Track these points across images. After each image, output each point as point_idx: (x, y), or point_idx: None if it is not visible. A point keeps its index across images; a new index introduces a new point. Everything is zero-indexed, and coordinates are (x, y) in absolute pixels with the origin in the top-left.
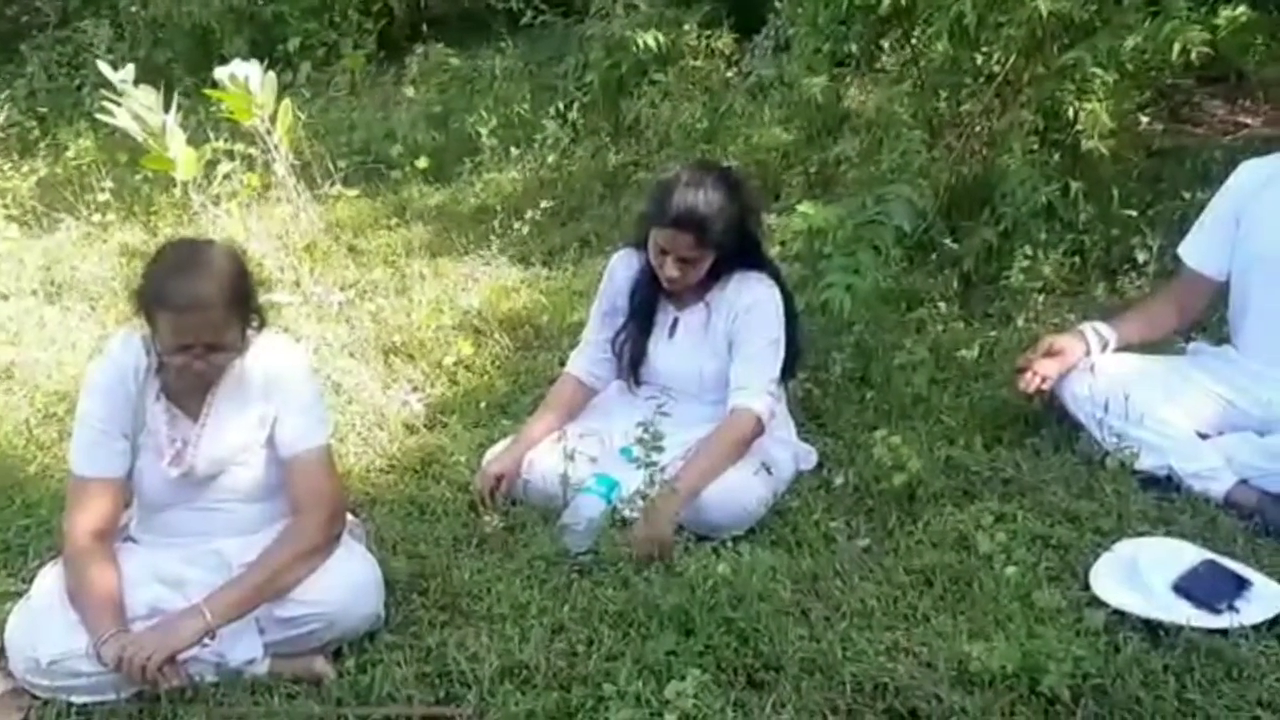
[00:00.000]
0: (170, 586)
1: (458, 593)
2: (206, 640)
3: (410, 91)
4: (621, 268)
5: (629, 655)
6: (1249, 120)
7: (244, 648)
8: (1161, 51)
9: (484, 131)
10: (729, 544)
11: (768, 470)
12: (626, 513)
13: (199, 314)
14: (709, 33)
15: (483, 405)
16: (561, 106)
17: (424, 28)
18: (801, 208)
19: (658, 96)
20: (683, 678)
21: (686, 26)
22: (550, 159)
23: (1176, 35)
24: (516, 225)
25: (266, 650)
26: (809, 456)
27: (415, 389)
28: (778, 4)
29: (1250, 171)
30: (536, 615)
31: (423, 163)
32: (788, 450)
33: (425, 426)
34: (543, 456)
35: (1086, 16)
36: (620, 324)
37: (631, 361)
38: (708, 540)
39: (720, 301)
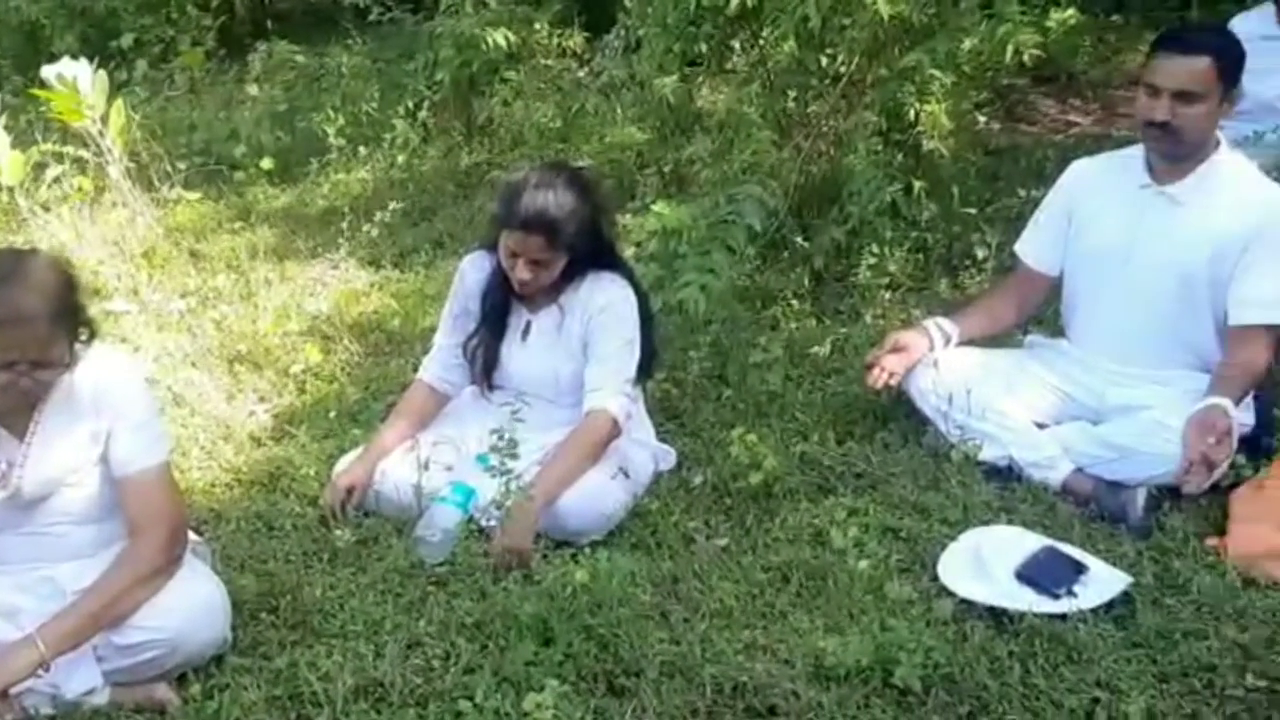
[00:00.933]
0: (1, 616)
1: (309, 610)
2: (41, 672)
3: (253, 90)
4: (472, 270)
5: (487, 668)
6: (1079, 119)
7: (81, 678)
8: (996, 53)
9: (331, 131)
10: (588, 549)
11: (625, 473)
12: (483, 521)
13: (21, 329)
14: (560, 31)
15: (332, 414)
16: (411, 105)
17: (267, 24)
18: (656, 207)
19: (510, 95)
20: (541, 688)
21: (537, 25)
22: (400, 159)
23: (1010, 37)
24: (366, 227)
25: (106, 679)
26: (668, 457)
27: (261, 399)
28: (627, 4)
29: (1080, 170)
30: (391, 630)
31: (267, 163)
32: (646, 451)
33: (272, 438)
34: (395, 466)
35: (925, 19)
36: (472, 328)
37: (485, 366)
38: (566, 546)
39: (574, 303)
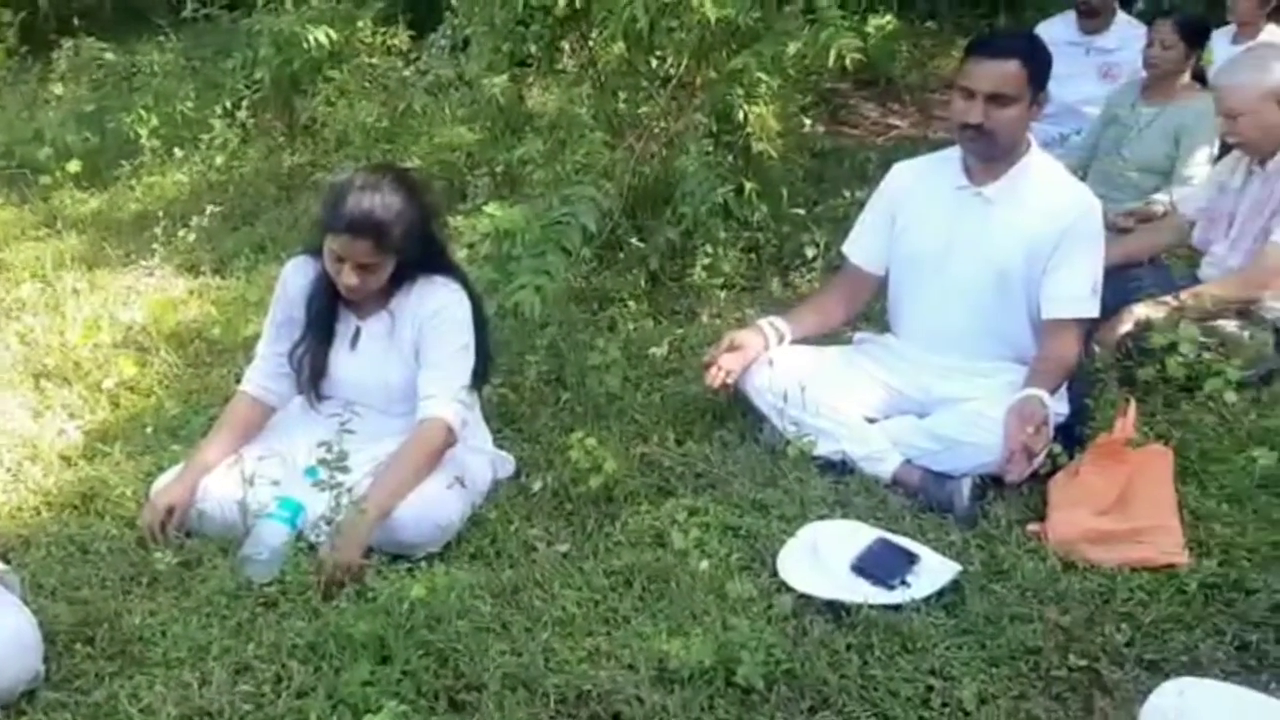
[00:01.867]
0: None
1: (128, 639)
2: None
3: (59, 89)
4: (296, 276)
5: (321, 690)
6: (898, 122)
7: None
8: (819, 58)
9: (144, 132)
10: (424, 562)
11: (462, 482)
12: (313, 538)
13: None
14: (385, 30)
15: (149, 430)
16: (230, 105)
17: (74, 20)
18: (488, 209)
19: (334, 95)
20: (379, 709)
21: (361, 23)
22: (219, 160)
23: (832, 42)
24: (182, 232)
25: None
26: (506, 464)
27: (71, 416)
28: (454, 2)
29: (901, 172)
30: (218, 656)
31: (75, 166)
32: (483, 459)
33: (84, 457)
34: (218, 482)
35: (751, 23)
36: (298, 336)
37: (312, 375)
38: (402, 560)
39: (404, 308)
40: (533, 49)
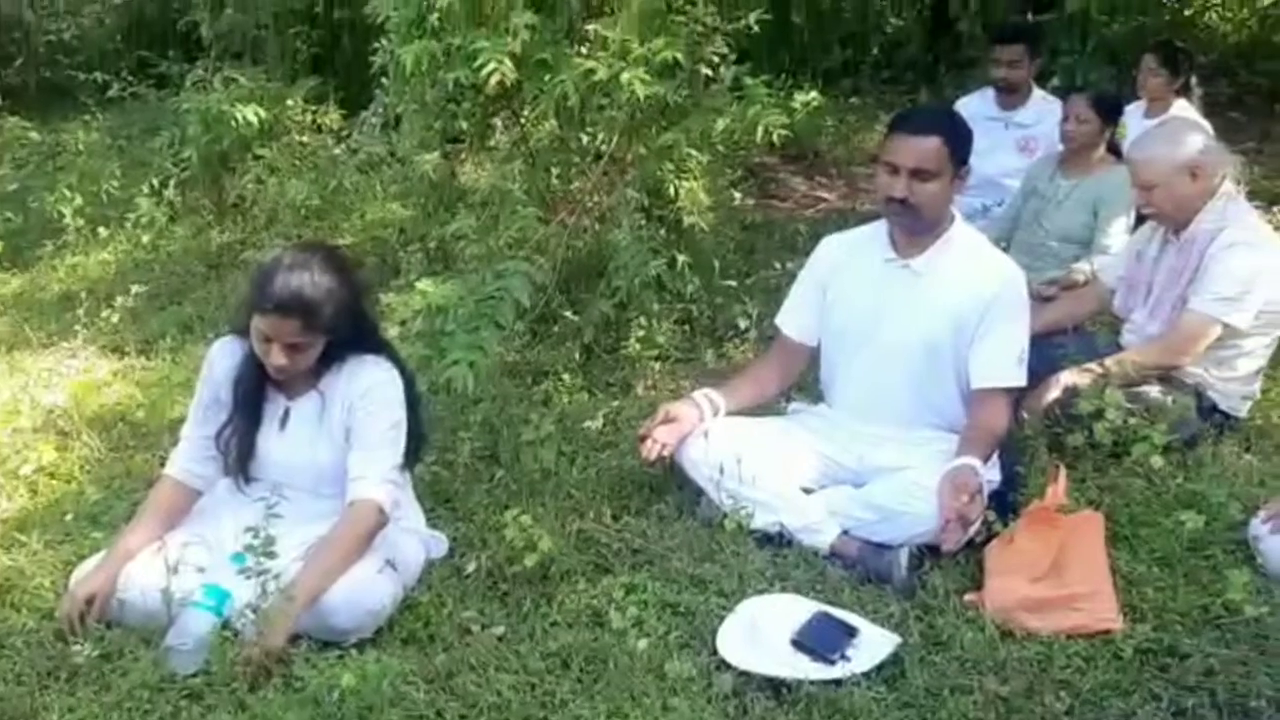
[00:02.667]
0: None
1: None
2: None
3: None
4: (223, 356)
5: None
6: (825, 195)
7: None
8: (747, 133)
9: (68, 211)
10: (355, 649)
11: (393, 565)
12: (239, 626)
13: None
14: (316, 108)
15: (69, 517)
16: (157, 183)
17: None
18: (420, 285)
19: (263, 173)
20: None
21: (291, 101)
22: (145, 239)
23: (759, 118)
24: (106, 312)
25: None
26: (439, 544)
27: None
28: (384, 81)
29: (831, 245)
30: None
31: None
32: (415, 540)
33: (0, 547)
34: (141, 570)
35: (680, 100)
36: (225, 417)
37: (240, 457)
38: (332, 648)
39: (335, 388)
40: (464, 126)
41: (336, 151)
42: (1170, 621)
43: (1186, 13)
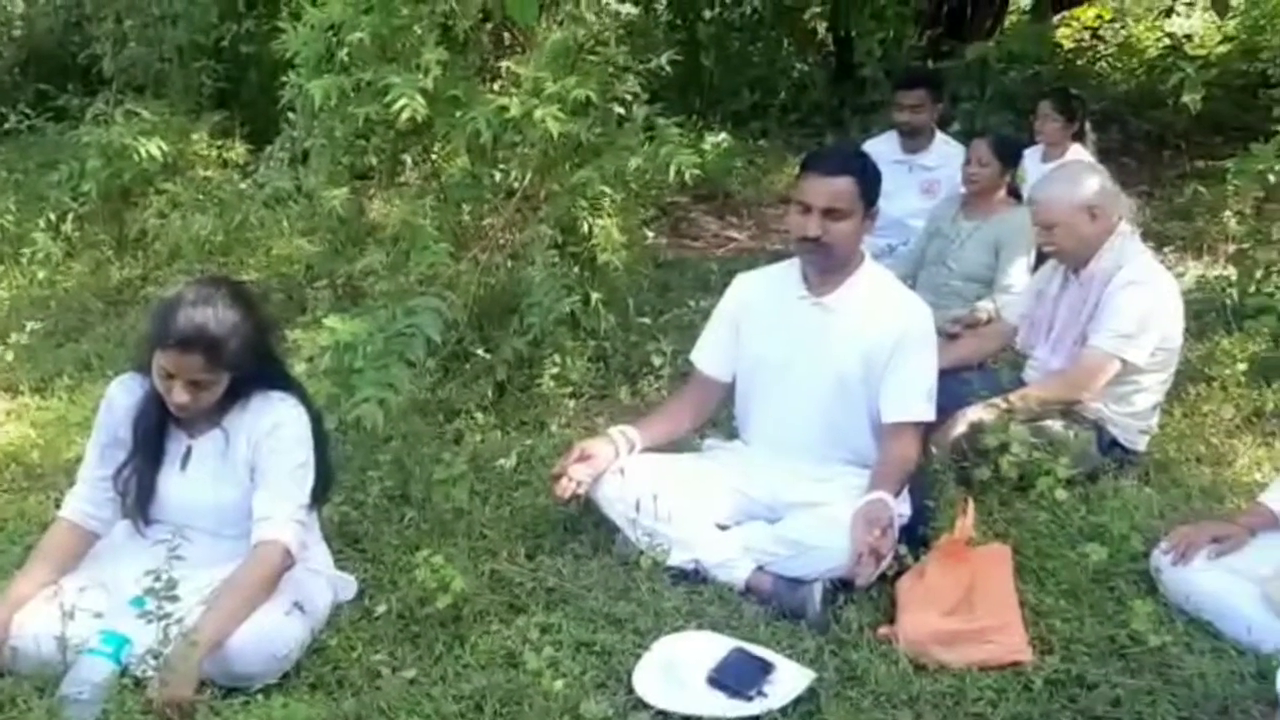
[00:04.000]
0: None
1: None
2: None
3: None
4: (122, 394)
5: None
6: (736, 235)
7: None
8: (660, 172)
9: None
10: (262, 694)
11: (300, 607)
12: (140, 673)
13: None
14: (220, 142)
15: None
16: (54, 217)
17: None
18: (328, 321)
19: (166, 207)
20: None
21: (196, 135)
22: (41, 275)
23: (671, 158)
24: (0, 350)
25: None
26: (348, 586)
27: None
28: (291, 115)
29: (745, 283)
30: None
31: None
32: (323, 581)
33: None
34: (34, 617)
35: (593, 138)
36: (124, 457)
37: (139, 498)
38: (237, 693)
39: (239, 426)
40: (374, 162)
41: (242, 186)
42: (1078, 652)
43: (1079, 62)
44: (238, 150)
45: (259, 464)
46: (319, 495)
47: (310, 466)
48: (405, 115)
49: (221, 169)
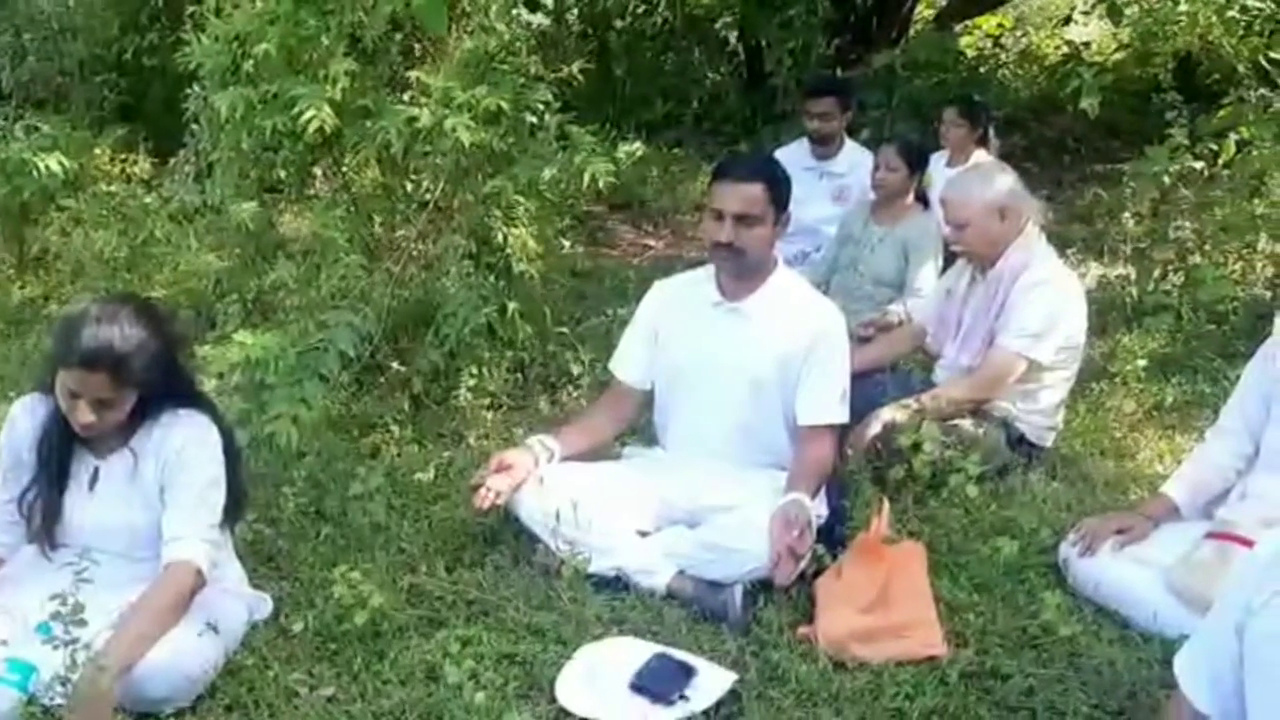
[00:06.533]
0: None
1: None
2: None
3: None
4: (25, 415)
5: None
6: (653, 243)
7: None
8: (575, 181)
9: None
10: (175, 719)
11: (214, 628)
12: (47, 700)
13: None
14: (125, 157)
15: None
16: None
17: None
18: (239, 337)
19: (69, 224)
20: None
21: (99, 150)
22: None
23: (585, 167)
24: None
25: None
26: (263, 605)
27: None
28: (195, 129)
29: (661, 290)
30: None
31: None
32: (237, 601)
33: None
34: None
35: (506, 148)
36: (28, 480)
37: (44, 521)
38: (150, 718)
39: (147, 445)
40: (283, 174)
41: (147, 201)
42: (991, 644)
43: (982, 69)
44: (142, 165)
45: (169, 483)
46: (231, 514)
47: (221, 485)
48: (314, 127)
49: (125, 184)
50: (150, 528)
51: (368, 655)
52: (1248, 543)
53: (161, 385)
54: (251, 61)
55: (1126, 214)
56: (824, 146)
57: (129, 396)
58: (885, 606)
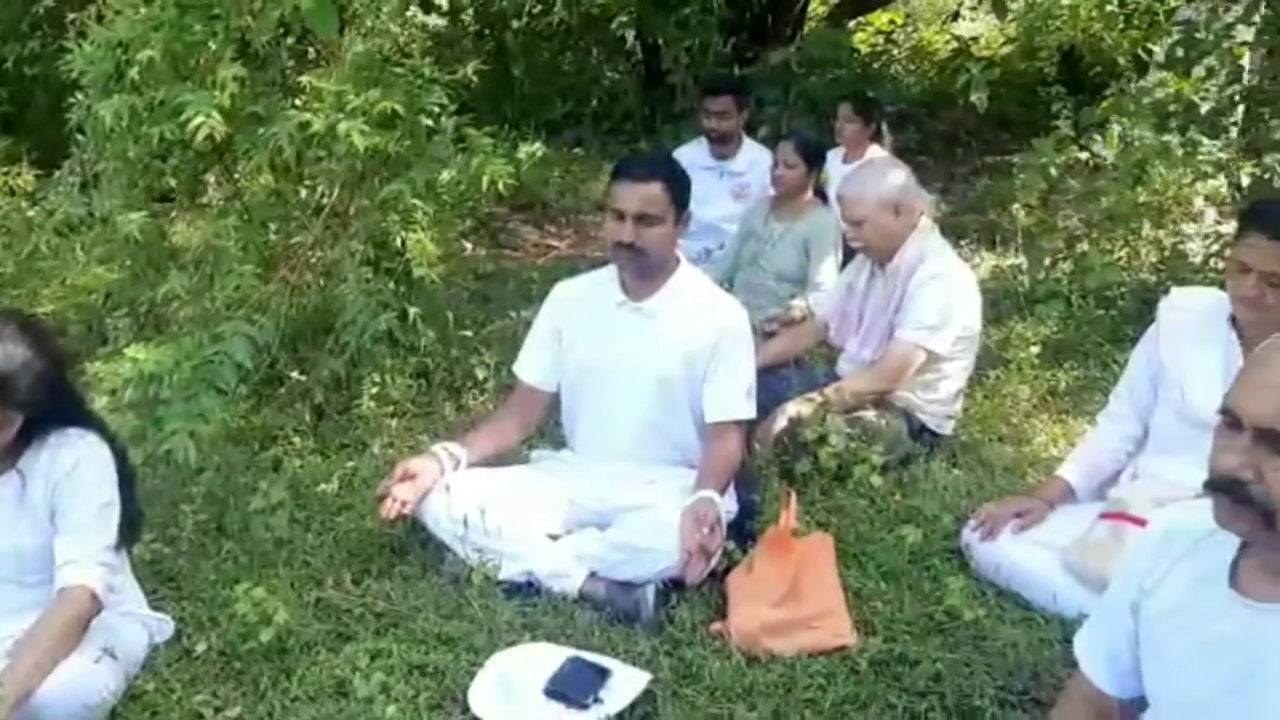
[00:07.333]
0: None
1: None
2: None
3: None
4: None
5: None
6: (556, 243)
7: None
8: (474, 183)
9: None
10: None
11: (112, 654)
12: None
13: None
14: (5, 169)
15: None
16: None
17: None
18: (131, 352)
19: None
20: None
21: None
22: None
23: (484, 169)
24: None
25: None
26: (164, 626)
27: None
28: (79, 138)
29: (565, 291)
30: None
31: None
32: (137, 624)
33: None
34: None
35: (402, 151)
36: None
37: None
38: None
39: (35, 468)
40: (173, 183)
41: (31, 214)
42: (899, 632)
43: (875, 65)
44: (25, 177)
45: (59, 506)
46: (127, 535)
47: (115, 505)
48: (203, 134)
49: (9, 197)
50: (40, 552)
51: (274, 673)
52: (1140, 522)
53: (48, 405)
54: (136, 69)
55: (1016, 205)
56: (722, 145)
57: (14, 418)
58: (796, 599)
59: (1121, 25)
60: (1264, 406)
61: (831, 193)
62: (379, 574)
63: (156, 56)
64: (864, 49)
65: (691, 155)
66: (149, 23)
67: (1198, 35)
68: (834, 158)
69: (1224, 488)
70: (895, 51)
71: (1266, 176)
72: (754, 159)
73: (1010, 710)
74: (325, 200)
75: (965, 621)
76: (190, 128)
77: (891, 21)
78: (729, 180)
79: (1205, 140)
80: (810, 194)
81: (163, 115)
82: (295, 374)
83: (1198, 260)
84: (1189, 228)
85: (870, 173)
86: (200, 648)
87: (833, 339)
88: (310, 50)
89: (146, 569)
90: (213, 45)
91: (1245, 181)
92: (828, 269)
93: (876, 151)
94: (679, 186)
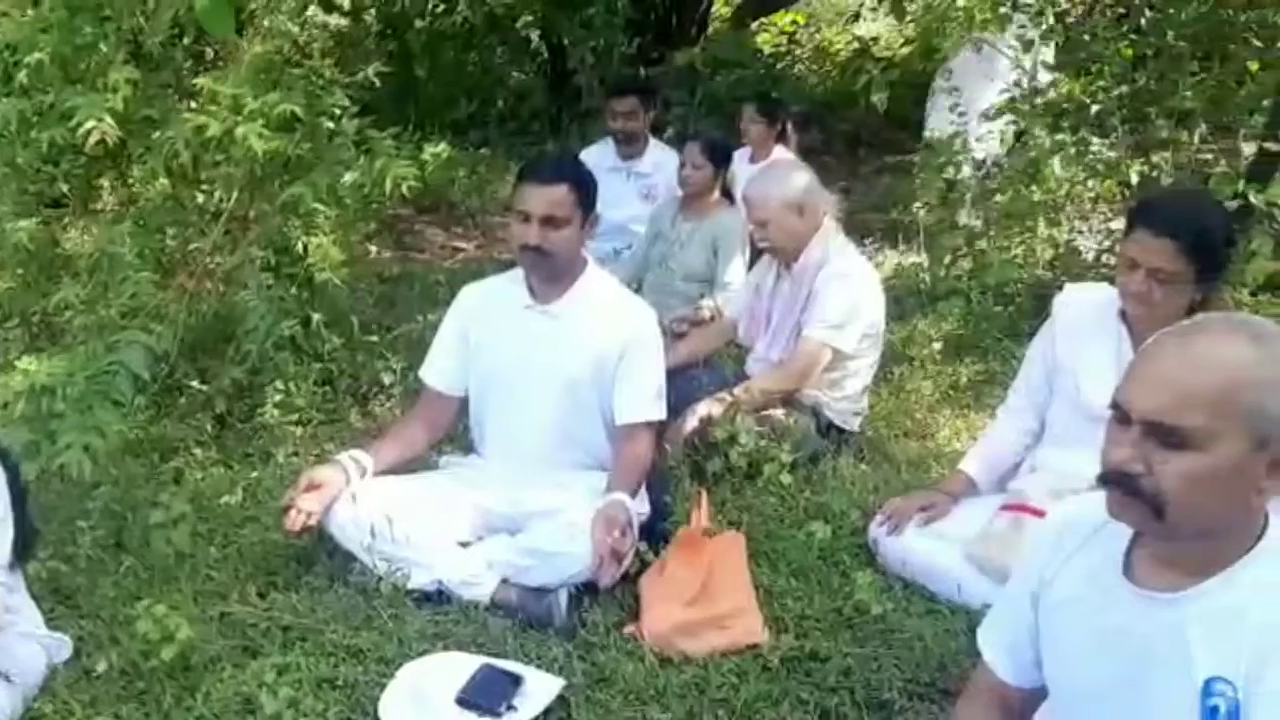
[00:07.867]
0: None
1: None
2: None
3: None
4: None
5: None
6: (463, 245)
7: None
8: (377, 186)
9: None
10: None
11: (7, 677)
12: None
13: None
14: None
15: None
16: None
17: None
18: (22, 363)
19: None
20: None
21: None
22: None
23: (387, 171)
24: None
25: None
26: (61, 647)
27: None
28: None
29: (471, 294)
30: None
31: None
32: (33, 645)
33: None
34: None
35: (302, 154)
36: None
37: None
38: None
39: None
40: (65, 189)
41: None
42: (810, 628)
43: (779, 66)
44: None
45: None
46: (21, 553)
47: (8, 523)
48: (95, 139)
49: None
50: None
51: (178, 691)
52: (1039, 513)
53: None
54: (24, 72)
55: (917, 204)
56: (629, 146)
57: None
58: (708, 598)
59: None
60: (1151, 400)
61: (738, 193)
62: (285, 586)
63: (46, 59)
64: (768, 49)
65: (598, 156)
66: (37, 24)
67: (1086, 38)
68: (741, 158)
69: (1115, 480)
70: (798, 52)
71: (1154, 175)
72: (661, 160)
73: (918, 701)
74: (224, 205)
75: (874, 615)
76: (81, 132)
77: (794, 22)
78: (636, 181)
79: (1095, 140)
80: (717, 194)
81: (53, 119)
82: (195, 383)
83: (1090, 257)
84: (1082, 225)
85: (774, 175)
86: (100, 667)
87: (741, 339)
88: (208, 51)
89: (43, 587)
90: (104, 47)
91: (1134, 180)
92: (736, 269)
93: (782, 152)
94: (585, 189)
